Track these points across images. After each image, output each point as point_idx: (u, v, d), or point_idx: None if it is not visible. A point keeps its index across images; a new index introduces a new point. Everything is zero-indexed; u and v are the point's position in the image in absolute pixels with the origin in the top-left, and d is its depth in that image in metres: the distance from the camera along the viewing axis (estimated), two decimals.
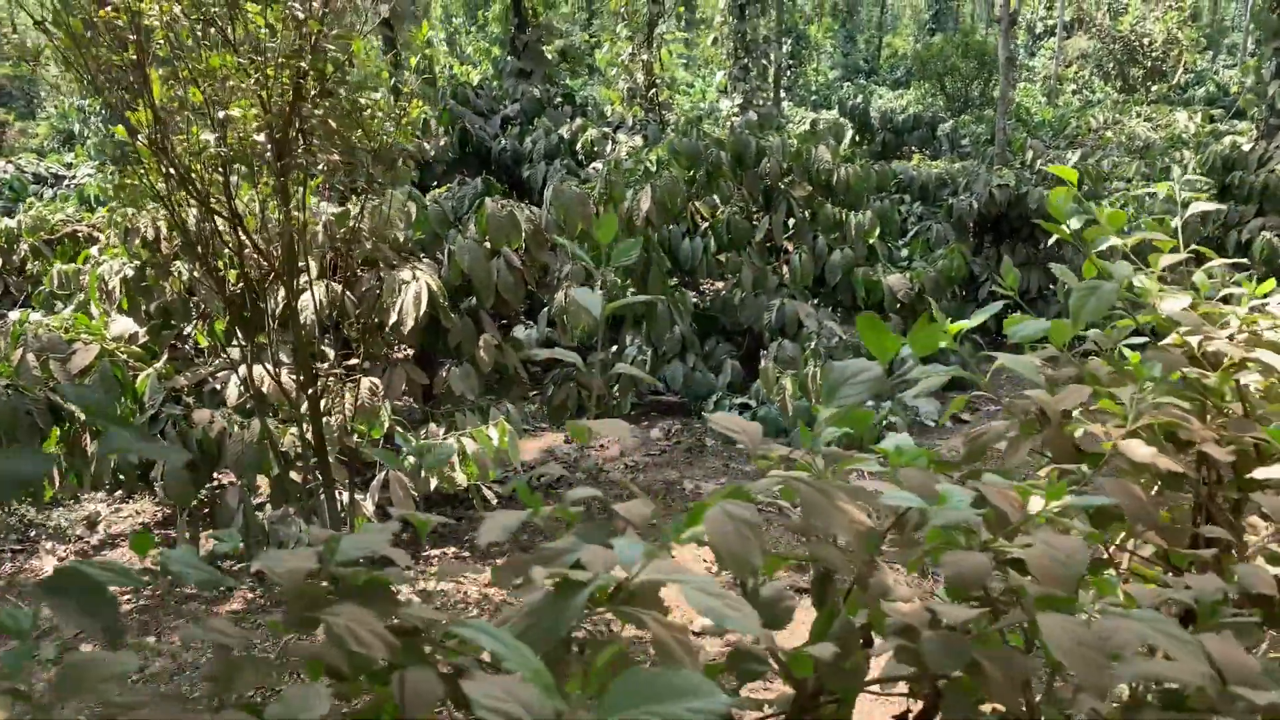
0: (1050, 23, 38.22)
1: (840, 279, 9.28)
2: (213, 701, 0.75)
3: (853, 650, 0.90)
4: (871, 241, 9.57)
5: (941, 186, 13.11)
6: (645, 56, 15.31)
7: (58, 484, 5.83)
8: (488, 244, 6.90)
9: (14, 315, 7.14)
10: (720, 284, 10.86)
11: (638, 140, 12.24)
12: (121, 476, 5.70)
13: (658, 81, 15.65)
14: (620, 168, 8.86)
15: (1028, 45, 39.51)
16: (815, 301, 9.58)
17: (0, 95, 27.93)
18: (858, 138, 18.60)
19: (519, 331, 9.19)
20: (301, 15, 3.97)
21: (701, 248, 9.18)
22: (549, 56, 15.82)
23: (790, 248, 9.87)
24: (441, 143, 11.64)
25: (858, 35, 43.84)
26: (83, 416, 5.69)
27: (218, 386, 5.90)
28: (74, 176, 17.51)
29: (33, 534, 6.85)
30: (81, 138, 21.55)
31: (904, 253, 10.91)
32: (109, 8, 4.18)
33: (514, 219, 6.90)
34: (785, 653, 0.91)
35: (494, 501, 6.30)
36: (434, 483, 5.68)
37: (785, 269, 9.65)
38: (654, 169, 8.76)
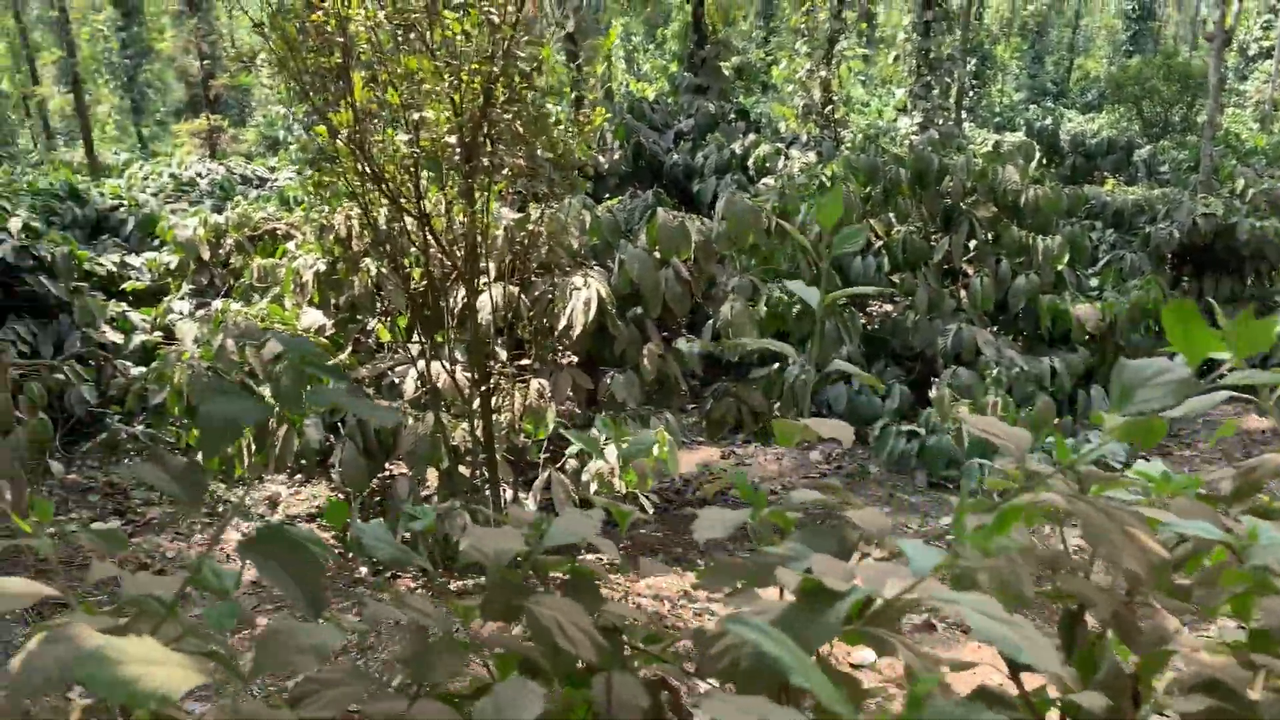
0: (1267, 44, 35.35)
1: (1023, 306, 8.79)
2: (409, 687, 0.70)
3: (1123, 701, 0.76)
4: (1060, 268, 9.03)
5: (1138, 214, 12.27)
6: (824, 73, 15.08)
7: (247, 463, 6.19)
8: (657, 254, 6.90)
9: (217, 304, 7.67)
10: (890, 305, 10.51)
11: (811, 156, 12.04)
12: (303, 461, 5.99)
13: (835, 98, 15.38)
14: (794, 182, 8.71)
15: (1239, 68, 36.72)
16: (994, 329, 9.11)
17: (217, 104, 30.39)
18: (1045, 160, 17.71)
19: (680, 343, 9.15)
20: (497, 20, 4.07)
21: (874, 266, 8.90)
22: (725, 73, 15.83)
23: (970, 271, 9.43)
24: (616, 155, 11.81)
25: (1046, 56, 41.95)
26: (270, 399, 6.02)
27: (396, 380, 6.12)
28: (276, 179, 18.80)
29: (221, 509, 7.32)
30: (285, 144, 23.14)
31: (1093, 282, 10.23)
32: (319, 13, 4.40)
33: (684, 230, 6.87)
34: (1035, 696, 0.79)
35: (650, 511, 6.26)
36: (594, 488, 5.69)
37: (963, 293, 9.23)
38: (829, 184, 8.56)
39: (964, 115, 22.82)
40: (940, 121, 16.93)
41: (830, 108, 15.07)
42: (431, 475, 5.96)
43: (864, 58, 22.80)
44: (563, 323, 6.25)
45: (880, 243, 9.10)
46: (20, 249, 8.62)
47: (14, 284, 8.49)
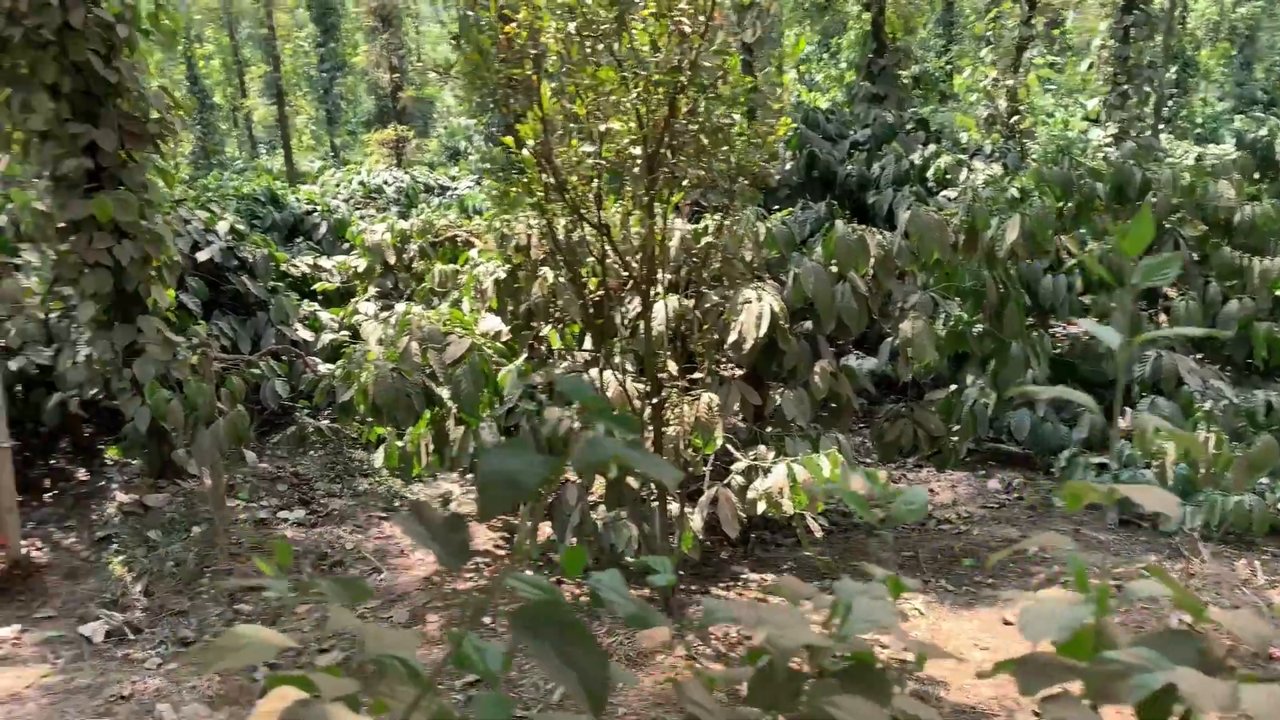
0: None
1: (1235, 333, 8.05)
2: None
3: None
4: (1278, 293, 8.22)
5: None
6: (1010, 81, 14.37)
7: (424, 462, 6.38)
8: (833, 268, 6.69)
9: (400, 307, 7.97)
10: (1080, 327, 9.85)
11: (996, 168, 11.47)
12: (476, 462, 6.12)
13: (1021, 108, 14.63)
14: (981, 195, 8.29)
15: None
16: (1199, 356, 8.39)
17: (404, 115, 32.00)
18: (1257, 175, 16.27)
19: (852, 360, 8.87)
20: (688, 29, 4.02)
21: (1065, 285, 8.36)
22: (903, 82, 15.34)
23: (1172, 293, 8.73)
24: (787, 166, 11.61)
25: (1256, 63, 38.66)
26: (450, 402, 6.20)
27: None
28: (456, 188, 19.55)
29: (397, 504, 7.60)
30: (465, 154, 24.08)
31: None
32: (513, 25, 4.48)
33: (863, 243, 6.63)
34: None
35: (819, 534, 6.06)
36: (761, 507, 5.55)
37: (1164, 317, 8.55)
38: (1019, 198, 8.10)
39: (1162, 126, 21.30)
40: (1136, 132, 15.84)
41: (1016, 118, 14.34)
42: (599, 484, 5.97)
43: (1052, 65, 21.66)
44: (733, 336, 6.15)
45: (1072, 260, 8.54)
46: (227, 250, 9.25)
47: (220, 282, 9.12)
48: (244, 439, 6.07)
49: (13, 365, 6.86)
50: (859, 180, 11.85)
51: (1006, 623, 5.50)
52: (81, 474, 7.53)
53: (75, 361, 6.95)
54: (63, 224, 6.34)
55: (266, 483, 7.54)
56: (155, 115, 6.46)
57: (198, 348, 6.53)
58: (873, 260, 6.67)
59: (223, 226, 9.63)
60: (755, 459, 5.99)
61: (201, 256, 8.97)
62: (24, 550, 5.86)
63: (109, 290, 6.41)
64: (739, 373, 6.91)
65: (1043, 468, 8.37)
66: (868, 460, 8.66)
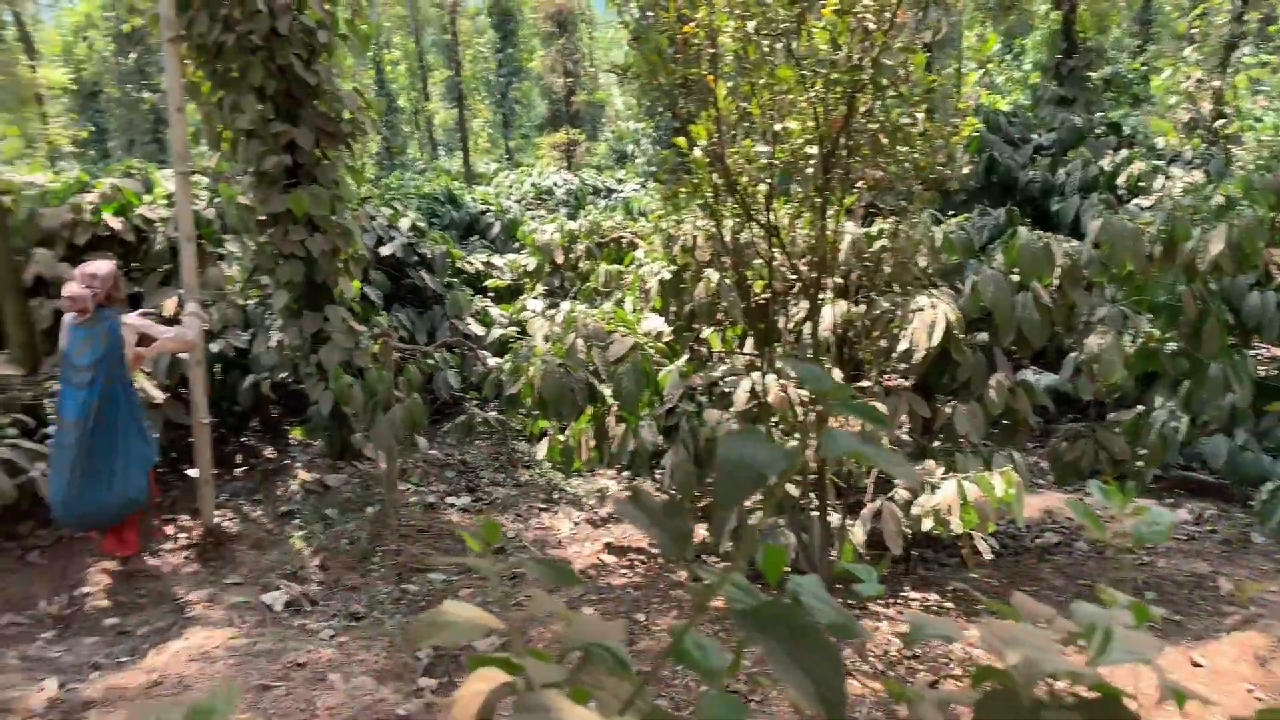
0: None
1: None
2: None
3: None
4: None
5: None
6: (1216, 83, 13.31)
7: (584, 457, 6.48)
8: (1014, 277, 6.36)
9: (566, 306, 8.12)
10: None
11: (1197, 175, 10.65)
12: (635, 459, 6.16)
13: (1227, 112, 13.53)
14: (1181, 204, 7.71)
15: None
16: None
17: (575, 119, 32.78)
18: None
19: (1029, 375, 8.42)
20: (873, 26, 3.90)
21: (1275, 303, 7.66)
22: (1093, 84, 14.47)
23: None
24: (965, 170, 11.16)
25: None
26: (611, 400, 6.27)
27: (728, 390, 6.13)
28: (622, 190, 19.84)
29: (555, 496, 7.75)
30: (631, 158, 24.42)
31: None
32: (690, 25, 4.47)
33: (1049, 252, 6.28)
34: None
35: (987, 555, 5.77)
36: (927, 524, 5.33)
37: None
38: (1226, 207, 7.47)
39: None
40: None
41: (1221, 122, 13.25)
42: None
43: (1264, 65, 19.94)
44: (903, 344, 5.94)
45: None
46: (408, 246, 9.70)
47: (401, 276, 9.57)
48: (418, 426, 6.33)
49: (214, 347, 7.40)
50: (1042, 186, 11.26)
51: (1196, 664, 5.07)
52: (269, 452, 8.05)
53: (268, 346, 7.45)
54: (263, 217, 6.79)
55: (436, 469, 7.84)
56: (348, 116, 6.83)
57: (379, 337, 6.86)
58: (1058, 270, 6.30)
59: (405, 224, 10.11)
60: (923, 473, 5.77)
61: (385, 251, 9.44)
62: (216, 520, 6.31)
63: (301, 280, 6.82)
64: (907, 383, 6.67)
65: (1239, 500, 7.70)
66: (1042, 481, 8.20)
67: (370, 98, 7.28)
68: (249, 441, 8.23)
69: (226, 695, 0.66)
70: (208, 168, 7.39)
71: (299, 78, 6.46)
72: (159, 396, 6.75)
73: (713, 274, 6.09)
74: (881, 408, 5.77)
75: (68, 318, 5.30)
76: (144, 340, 5.49)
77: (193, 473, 6.47)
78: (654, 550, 6.75)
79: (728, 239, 5.11)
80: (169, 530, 6.39)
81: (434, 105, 40.90)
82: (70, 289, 5.19)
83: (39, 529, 6.39)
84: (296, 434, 8.18)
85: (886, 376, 6.77)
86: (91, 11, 32.60)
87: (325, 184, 6.76)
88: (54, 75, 32.97)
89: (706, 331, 6.78)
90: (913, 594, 5.97)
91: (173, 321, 6.75)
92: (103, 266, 5.28)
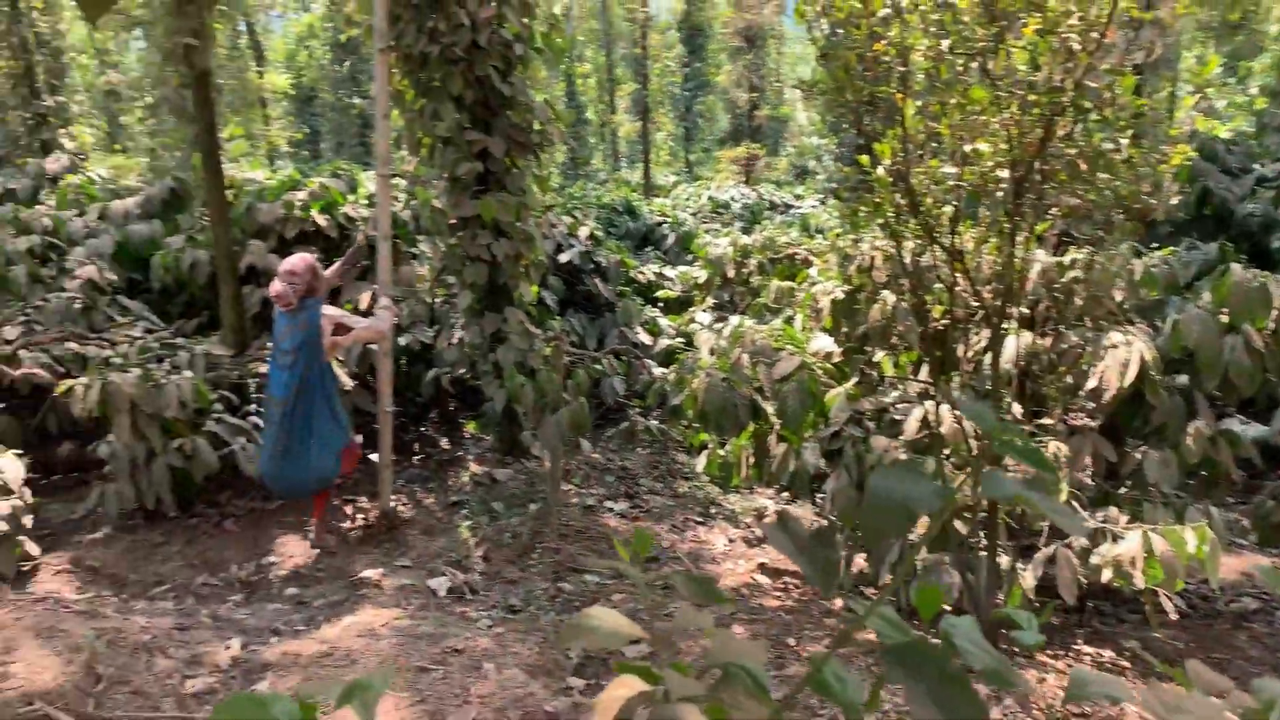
0: None
1: None
2: None
3: None
4: None
5: None
6: None
7: (743, 473, 6.44)
8: (1223, 317, 5.88)
9: (734, 320, 8.11)
10: None
11: None
12: (795, 481, 6.08)
13: None
14: None
15: None
16: None
17: (757, 133, 32.74)
18: None
19: (1234, 425, 7.75)
20: (1077, 47, 3.70)
21: None
22: None
23: None
24: (1173, 200, 10.40)
25: None
26: (774, 418, 6.21)
27: (897, 417, 5.95)
28: (800, 207, 19.64)
29: (712, 511, 7.74)
30: (812, 174, 24.15)
31: None
32: (882, 43, 4.38)
33: (1265, 292, 5.77)
34: None
35: (1173, 615, 5.35)
36: (1106, 575, 4.99)
37: None
38: None
39: None
40: None
41: None
42: (923, 522, 5.69)
43: None
44: (1092, 382, 5.59)
45: None
46: (584, 254, 9.96)
47: (576, 283, 9.83)
48: (583, 429, 6.47)
49: (401, 340, 7.83)
50: (1263, 221, 10.35)
51: None
52: (444, 443, 8.43)
53: (450, 342, 7.82)
54: (453, 220, 7.13)
55: (597, 472, 8.00)
56: (539, 126, 7.08)
57: (552, 340, 7.06)
58: (1275, 313, 5.78)
59: (583, 232, 10.38)
60: (1104, 521, 5.41)
61: (563, 258, 9.73)
62: (392, 504, 6.66)
63: (484, 282, 7.12)
64: (1094, 424, 6.28)
65: None
66: (1243, 541, 7.52)
67: (560, 109, 7.53)
68: (427, 431, 8.65)
69: (383, 675, 0.70)
70: (407, 171, 7.83)
71: (495, 89, 6.75)
72: (349, 384, 7.20)
73: (889, 296, 5.94)
74: (1064, 448, 5.46)
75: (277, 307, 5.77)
76: (340, 329, 5.88)
77: (374, 457, 6.86)
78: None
79: (907, 261, 4.97)
80: (348, 510, 6.80)
81: (619, 118, 41.84)
82: (274, 288, 5.64)
83: (235, 499, 6.94)
84: (471, 428, 8.53)
85: (1071, 415, 6.39)
86: (314, 22, 35.27)
87: (513, 191, 7.03)
88: (277, 80, 35.88)
89: (879, 355, 6.62)
90: (1085, 648, 5.60)
91: (367, 313, 7.19)
92: (299, 263, 5.70)
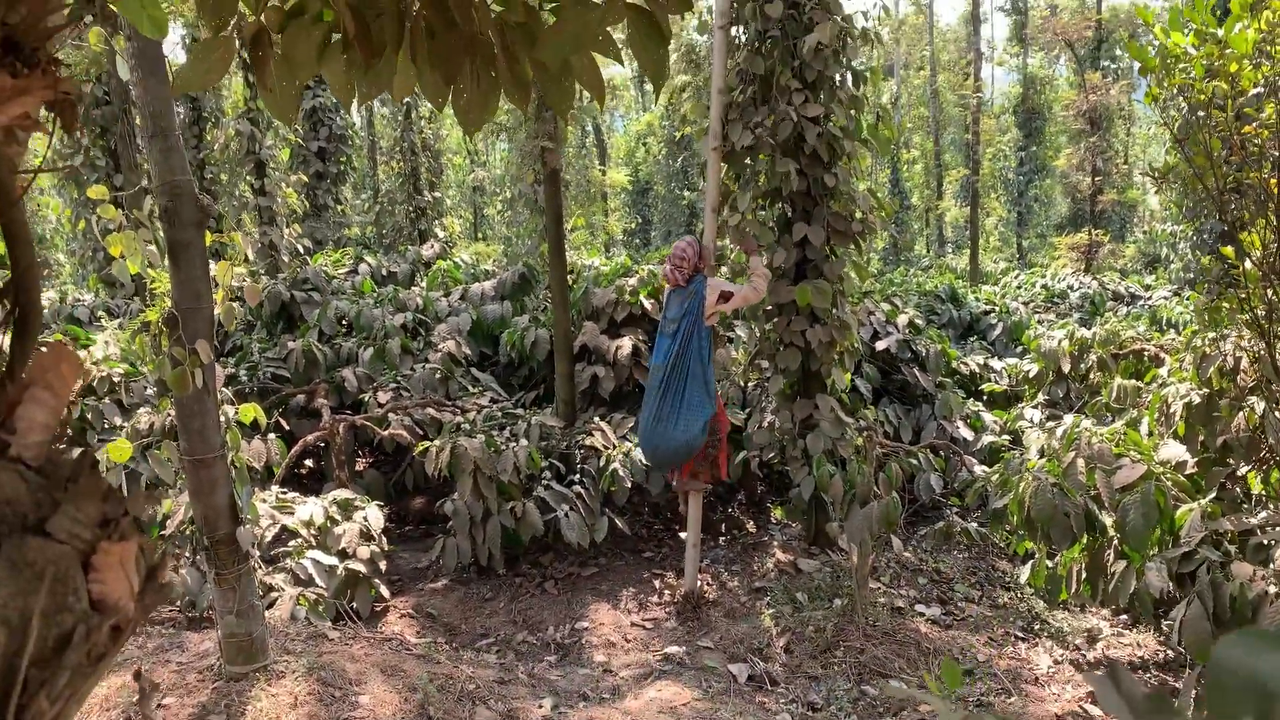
0: None
1: None
2: None
3: None
4: None
5: None
6: None
7: (1073, 589, 5.87)
8: None
9: (1068, 420, 7.50)
10: None
11: None
12: (1136, 603, 5.44)
13: None
14: None
15: None
16: None
17: (1099, 219, 30.42)
18: None
19: None
20: None
21: None
22: None
23: None
24: None
25: None
26: (1113, 531, 5.62)
27: (1267, 542, 5.17)
28: (1150, 298, 17.89)
29: (1036, 627, 7.09)
30: (1165, 262, 21.95)
31: None
32: (1252, 125, 3.96)
33: None
34: None
35: None
36: None
37: None
38: None
39: None
40: None
41: None
42: None
43: None
44: None
45: None
46: (902, 342, 9.71)
47: (891, 371, 9.59)
48: (893, 525, 6.24)
49: None
50: None
51: None
52: (750, 526, 8.48)
53: (760, 426, 7.90)
54: (769, 307, 7.27)
55: (908, 573, 7.64)
56: (859, 215, 7.09)
57: (864, 430, 6.92)
58: None
59: (902, 320, 10.15)
60: None
61: (879, 346, 9.55)
62: (698, 584, 6.77)
63: (797, 367, 7.16)
64: None
65: None
66: None
67: (882, 198, 7.49)
68: (734, 513, 8.75)
69: None
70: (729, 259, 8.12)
71: (819, 180, 6.87)
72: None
73: (1257, 403, 5.23)
74: None
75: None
76: (724, 297, 6.28)
77: (684, 535, 7.05)
78: None
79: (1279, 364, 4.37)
80: (656, 584, 7.01)
81: (946, 203, 40.72)
82: (664, 270, 6.29)
83: (556, 562, 7.41)
84: (777, 513, 8.52)
85: None
86: (653, 120, 37.91)
87: (830, 278, 7.05)
88: (617, 177, 38.83)
89: (1243, 469, 5.81)
90: None
91: None
92: (686, 247, 6.21)
